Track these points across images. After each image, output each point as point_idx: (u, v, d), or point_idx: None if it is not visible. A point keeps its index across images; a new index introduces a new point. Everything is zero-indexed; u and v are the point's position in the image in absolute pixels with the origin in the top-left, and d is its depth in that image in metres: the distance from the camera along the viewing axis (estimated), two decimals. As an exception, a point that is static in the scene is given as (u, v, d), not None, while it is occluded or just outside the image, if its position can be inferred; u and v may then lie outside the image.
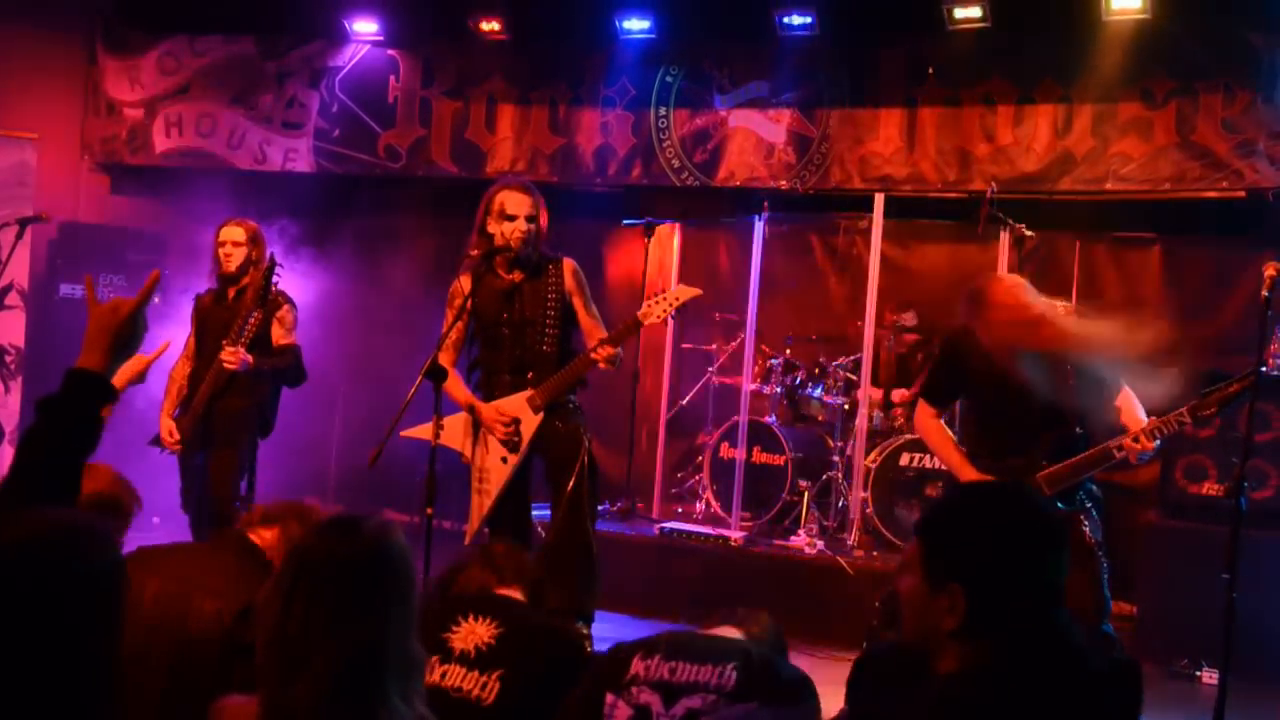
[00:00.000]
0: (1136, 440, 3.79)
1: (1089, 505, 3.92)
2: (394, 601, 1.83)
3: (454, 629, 2.55)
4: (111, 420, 2.26)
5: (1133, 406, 3.96)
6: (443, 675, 2.49)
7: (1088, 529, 3.86)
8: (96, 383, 2.18)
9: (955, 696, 1.89)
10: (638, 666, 2.35)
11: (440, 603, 2.75)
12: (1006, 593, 1.90)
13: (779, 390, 7.07)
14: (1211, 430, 5.58)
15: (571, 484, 4.46)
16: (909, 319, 7.16)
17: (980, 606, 1.89)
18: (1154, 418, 3.83)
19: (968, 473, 3.95)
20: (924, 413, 4.18)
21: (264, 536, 2.78)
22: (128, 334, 2.22)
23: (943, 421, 4.19)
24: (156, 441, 5.30)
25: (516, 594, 2.81)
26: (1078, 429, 3.90)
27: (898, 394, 6.92)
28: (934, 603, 1.92)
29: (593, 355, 4.42)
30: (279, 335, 5.27)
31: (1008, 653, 1.87)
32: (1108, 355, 3.76)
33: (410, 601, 1.87)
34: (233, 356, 5.04)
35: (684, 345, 7.63)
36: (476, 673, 2.48)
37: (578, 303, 4.63)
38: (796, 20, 6.79)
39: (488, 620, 2.57)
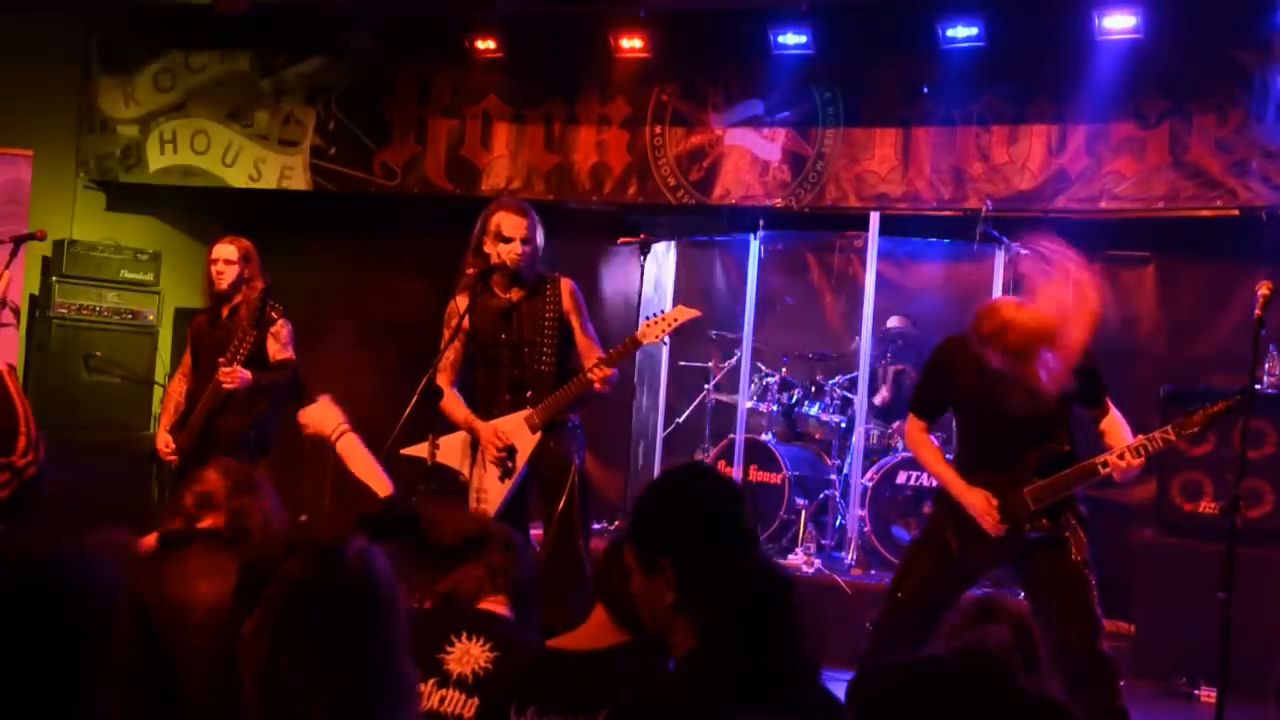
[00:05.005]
0: (1121, 457, 3.77)
1: (1076, 525, 3.90)
2: (383, 628, 1.81)
3: (449, 649, 2.54)
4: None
5: (1118, 427, 3.95)
6: (441, 700, 2.47)
7: (1075, 550, 3.84)
8: None
9: (699, 666, 1.96)
10: None
11: (431, 620, 2.73)
12: (703, 549, 2.03)
13: (776, 408, 7.07)
14: (1207, 448, 5.59)
15: (562, 504, 4.47)
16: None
17: (686, 569, 2.01)
18: (1140, 435, 3.82)
19: (957, 486, 3.94)
20: (913, 426, 4.19)
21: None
22: None
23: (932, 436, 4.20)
24: (154, 456, 5.31)
25: (501, 605, 2.79)
26: (1066, 446, 3.89)
27: None
28: (654, 587, 2.04)
29: (589, 375, 4.44)
30: (275, 351, 5.26)
31: (727, 604, 1.96)
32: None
33: (398, 625, 1.85)
34: (230, 376, 5.02)
35: (681, 363, 7.63)
36: (476, 699, 2.46)
37: (575, 323, 4.64)
38: (791, 39, 6.82)
39: (481, 641, 2.56)
